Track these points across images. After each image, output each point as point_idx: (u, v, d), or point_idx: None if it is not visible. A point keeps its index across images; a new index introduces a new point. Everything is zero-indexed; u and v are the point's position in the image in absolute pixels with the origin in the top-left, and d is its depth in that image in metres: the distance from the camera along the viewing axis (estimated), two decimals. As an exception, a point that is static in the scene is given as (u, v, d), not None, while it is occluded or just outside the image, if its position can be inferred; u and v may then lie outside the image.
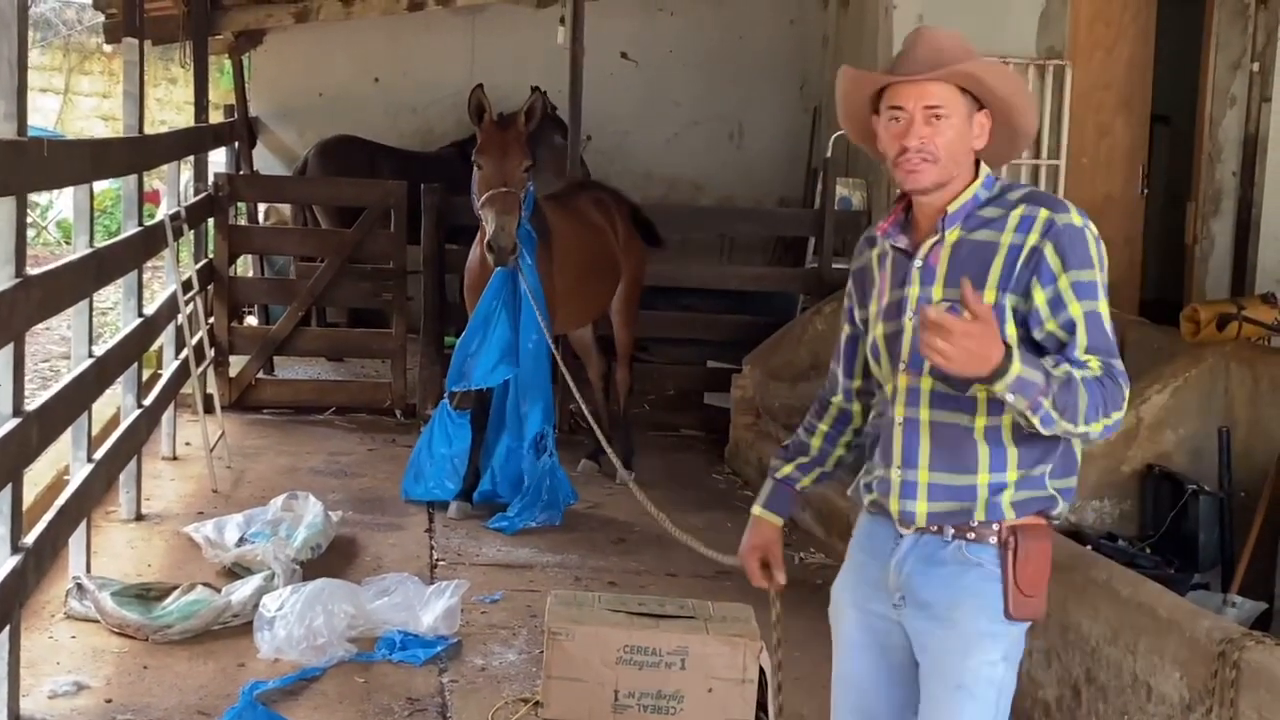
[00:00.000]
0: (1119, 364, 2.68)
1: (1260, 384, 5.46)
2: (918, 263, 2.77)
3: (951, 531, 2.75)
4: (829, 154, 8.89)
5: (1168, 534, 5.31)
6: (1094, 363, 2.64)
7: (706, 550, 3.98)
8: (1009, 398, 2.55)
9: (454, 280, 9.22)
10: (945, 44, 2.73)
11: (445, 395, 6.98)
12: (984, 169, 2.79)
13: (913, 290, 2.77)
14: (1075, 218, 2.69)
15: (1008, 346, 2.52)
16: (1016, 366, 2.52)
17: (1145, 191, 9.15)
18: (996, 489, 2.72)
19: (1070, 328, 2.65)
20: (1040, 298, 2.66)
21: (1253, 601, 4.93)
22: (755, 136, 11.39)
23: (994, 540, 2.73)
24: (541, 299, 6.55)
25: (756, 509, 3.17)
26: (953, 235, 2.74)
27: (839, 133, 9.17)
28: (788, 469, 3.12)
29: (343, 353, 9.69)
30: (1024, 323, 2.69)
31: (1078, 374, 2.60)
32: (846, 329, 3.02)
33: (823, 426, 3.09)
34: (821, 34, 11.08)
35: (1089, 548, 4.84)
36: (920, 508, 2.76)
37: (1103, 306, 2.67)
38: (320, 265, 8.75)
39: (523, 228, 6.45)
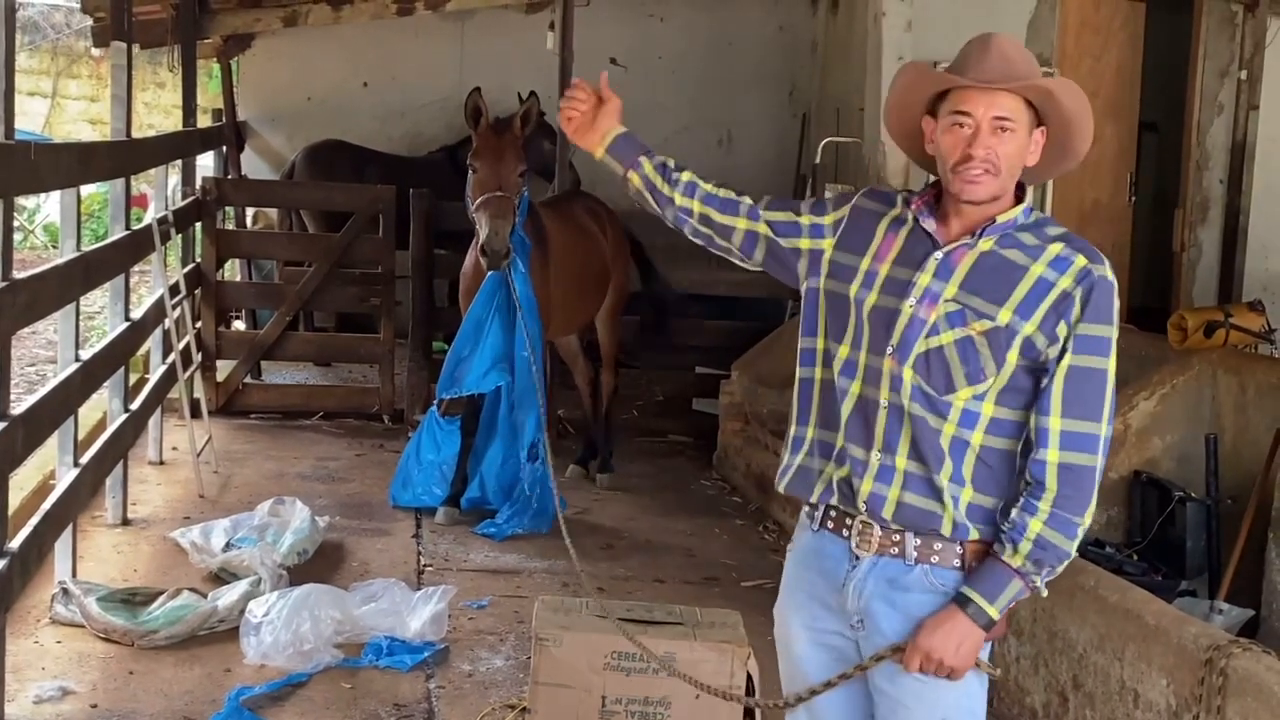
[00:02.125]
0: (1091, 453, 2.63)
1: (1247, 391, 5.48)
2: (938, 255, 2.72)
3: (915, 554, 2.70)
4: (818, 160, 8.92)
5: (1155, 540, 5.33)
6: (1049, 464, 2.62)
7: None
8: (1013, 604, 2.68)
9: (442, 285, 9.23)
10: (1014, 54, 2.69)
11: (434, 402, 6.97)
12: (1028, 195, 2.76)
13: (924, 278, 2.70)
14: (1108, 272, 2.66)
15: (961, 603, 2.64)
16: (993, 610, 2.65)
17: (1133, 199, 9.18)
18: (955, 502, 2.68)
19: (1051, 386, 2.63)
20: (1059, 344, 2.64)
21: (1239, 608, 4.94)
22: (744, 142, 11.42)
23: (957, 564, 2.70)
24: (534, 307, 6.54)
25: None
26: (986, 244, 2.70)
27: (828, 139, 9.21)
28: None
29: (330, 358, 9.67)
30: (1036, 359, 2.65)
31: (1034, 525, 2.62)
32: (806, 208, 2.90)
33: (711, 186, 2.98)
34: (810, 40, 11.12)
35: (1075, 554, 4.84)
36: (893, 494, 2.70)
37: (1109, 365, 2.65)
38: (308, 270, 8.74)
39: (516, 233, 6.45)
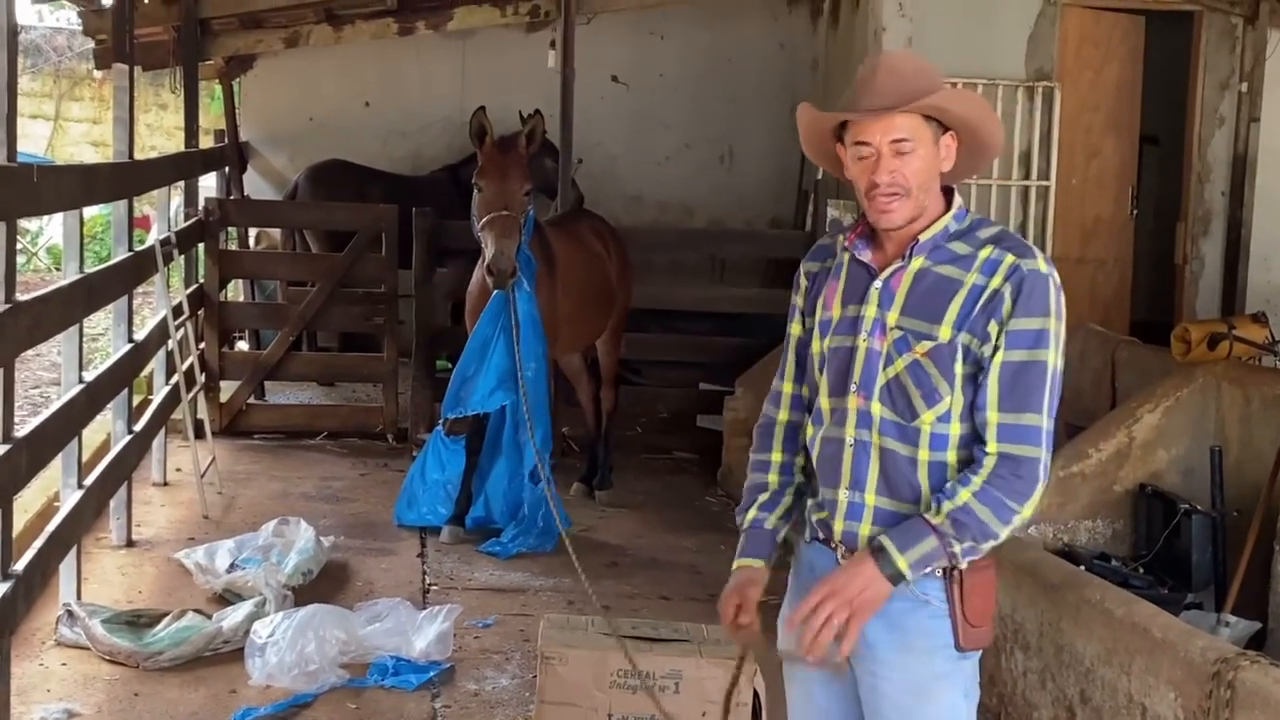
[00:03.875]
0: (1032, 445, 2.63)
1: (1251, 403, 5.47)
2: (878, 284, 2.74)
3: None
4: (819, 176, 8.94)
5: (1161, 554, 5.32)
6: (988, 456, 2.63)
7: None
8: (923, 573, 2.62)
9: (445, 303, 9.24)
10: (905, 69, 2.69)
11: (440, 422, 6.97)
12: (956, 201, 2.77)
13: (870, 310, 2.73)
14: (1040, 264, 2.66)
15: (875, 550, 2.61)
16: (902, 561, 2.59)
17: (1135, 212, 9.19)
18: None
19: (987, 381, 2.64)
20: (1000, 341, 2.64)
21: (1246, 621, 4.93)
22: (746, 159, 11.43)
23: (939, 573, 2.69)
24: (537, 326, 6.55)
25: (734, 562, 2.97)
26: (918, 263, 2.72)
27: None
28: (750, 514, 2.92)
29: (334, 377, 9.68)
30: (977, 363, 2.67)
31: (963, 494, 2.61)
32: (796, 330, 2.92)
33: (774, 457, 2.93)
34: (811, 57, 11.13)
35: (1082, 568, 4.84)
36: (864, 530, 2.72)
37: (1047, 356, 2.63)
38: (311, 290, 8.76)
39: (522, 252, 6.46)
